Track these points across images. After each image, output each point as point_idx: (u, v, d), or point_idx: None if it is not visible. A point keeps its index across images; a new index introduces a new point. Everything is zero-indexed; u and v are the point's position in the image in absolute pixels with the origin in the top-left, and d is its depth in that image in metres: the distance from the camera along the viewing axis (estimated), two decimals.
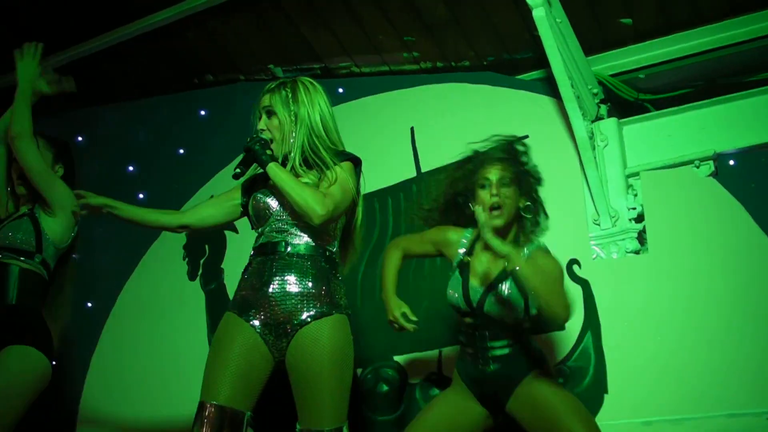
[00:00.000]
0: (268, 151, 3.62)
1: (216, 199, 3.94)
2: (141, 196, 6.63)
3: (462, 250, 4.13)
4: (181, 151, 6.64)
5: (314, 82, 3.81)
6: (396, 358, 5.54)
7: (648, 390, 4.80)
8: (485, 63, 5.99)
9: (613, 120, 5.31)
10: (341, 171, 3.65)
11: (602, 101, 5.44)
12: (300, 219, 3.58)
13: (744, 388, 4.63)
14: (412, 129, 5.93)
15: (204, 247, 6.40)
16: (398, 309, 4.12)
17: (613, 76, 5.60)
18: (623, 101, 5.56)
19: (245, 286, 3.62)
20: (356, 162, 3.77)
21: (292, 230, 3.63)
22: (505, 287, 3.91)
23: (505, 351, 3.98)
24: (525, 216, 4.02)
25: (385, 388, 5.51)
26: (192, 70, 6.79)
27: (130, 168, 6.72)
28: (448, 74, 6.08)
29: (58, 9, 6.31)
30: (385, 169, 5.84)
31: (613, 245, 5.12)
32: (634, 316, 4.99)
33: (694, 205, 5.05)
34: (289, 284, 3.53)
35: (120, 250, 6.63)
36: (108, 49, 6.54)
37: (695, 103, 5.20)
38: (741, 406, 4.60)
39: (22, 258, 4.20)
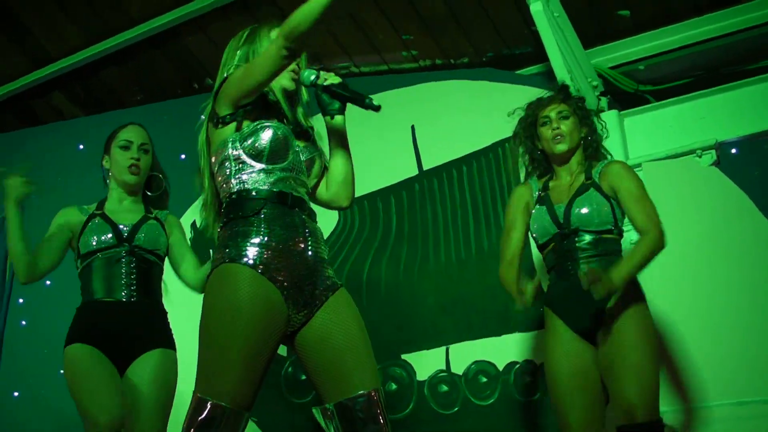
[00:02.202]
0: None
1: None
2: None
3: (537, 194, 4.21)
4: (183, 156, 6.63)
5: None
6: (403, 356, 5.55)
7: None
8: (484, 59, 6.00)
9: (613, 112, 5.31)
10: None
11: (602, 94, 5.44)
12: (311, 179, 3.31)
13: (750, 376, 4.64)
14: (412, 127, 5.93)
15: (209, 252, 6.38)
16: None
17: (612, 68, 5.60)
18: (623, 93, 5.57)
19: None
20: None
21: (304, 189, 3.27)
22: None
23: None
24: (587, 143, 4.23)
25: (394, 386, 5.52)
26: (192, 74, 6.80)
27: None
28: (447, 71, 6.08)
29: (57, 16, 6.33)
30: (387, 168, 5.85)
31: None
32: None
33: (697, 195, 5.05)
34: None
35: None
36: (108, 56, 6.55)
37: (696, 93, 5.21)
38: (748, 394, 4.60)
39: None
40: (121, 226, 4.14)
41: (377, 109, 3.15)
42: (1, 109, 7.25)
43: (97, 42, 6.46)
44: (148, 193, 4.42)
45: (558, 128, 4.14)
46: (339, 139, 3.35)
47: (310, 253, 3.10)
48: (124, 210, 4.25)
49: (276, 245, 3.03)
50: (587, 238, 3.94)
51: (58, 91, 7.10)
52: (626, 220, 4.01)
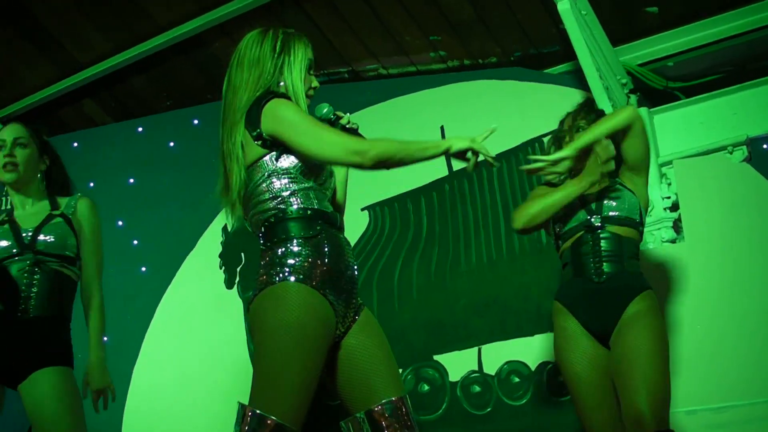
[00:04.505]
0: None
1: None
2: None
3: None
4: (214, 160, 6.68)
5: None
6: (436, 357, 5.55)
7: (690, 379, 4.78)
8: (512, 59, 5.99)
9: (643, 109, 5.28)
10: None
11: (632, 91, 5.42)
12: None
13: None
14: (442, 128, 5.93)
15: (240, 256, 6.43)
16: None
17: (641, 65, 5.58)
18: (653, 90, 5.54)
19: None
20: None
21: None
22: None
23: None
24: None
25: (426, 387, 5.52)
26: (220, 79, 6.81)
27: (165, 179, 6.76)
28: (475, 72, 6.08)
29: (84, 25, 6.37)
30: (417, 169, 5.80)
31: (649, 235, 5.10)
32: (673, 305, 4.96)
33: (729, 192, 5.02)
34: None
35: (157, 261, 6.66)
36: (136, 63, 6.59)
37: (726, 89, 5.18)
38: None
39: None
40: (24, 233, 3.97)
41: None
42: (32, 117, 7.30)
43: (124, 50, 6.50)
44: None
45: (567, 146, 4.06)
46: (343, 175, 3.41)
47: (354, 272, 3.15)
48: (28, 214, 4.07)
49: (331, 265, 3.05)
50: (612, 232, 3.91)
51: (89, 98, 7.15)
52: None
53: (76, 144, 7.14)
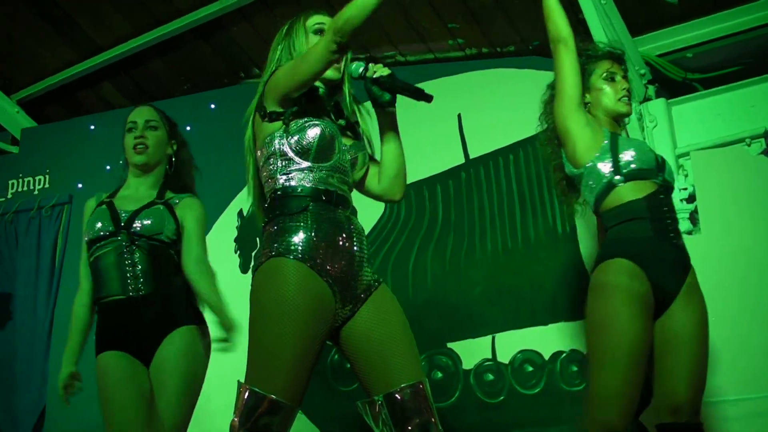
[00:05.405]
0: None
1: None
2: None
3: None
4: (229, 145, 6.68)
5: None
6: (449, 344, 5.55)
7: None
8: (531, 47, 5.97)
9: (661, 100, 5.28)
10: None
11: (650, 82, 5.40)
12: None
13: None
14: (459, 116, 5.92)
15: (255, 240, 6.44)
16: None
17: (660, 56, 5.56)
18: (671, 81, 5.52)
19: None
20: None
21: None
22: None
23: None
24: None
25: (440, 375, 5.52)
26: (238, 64, 6.84)
27: None
28: (493, 60, 6.07)
29: (103, 7, 6.38)
30: (434, 156, 5.85)
31: None
32: None
33: (746, 184, 5.01)
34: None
35: None
36: (155, 46, 6.60)
37: (744, 81, 5.16)
38: None
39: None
40: (122, 213, 3.99)
41: (430, 99, 3.18)
42: (50, 100, 7.33)
43: (143, 33, 6.52)
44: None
45: (627, 87, 3.92)
46: (391, 131, 3.37)
47: (355, 249, 3.14)
48: (136, 197, 4.11)
49: (322, 241, 3.06)
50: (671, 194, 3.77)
51: (107, 81, 7.16)
52: None
53: (93, 127, 7.15)
